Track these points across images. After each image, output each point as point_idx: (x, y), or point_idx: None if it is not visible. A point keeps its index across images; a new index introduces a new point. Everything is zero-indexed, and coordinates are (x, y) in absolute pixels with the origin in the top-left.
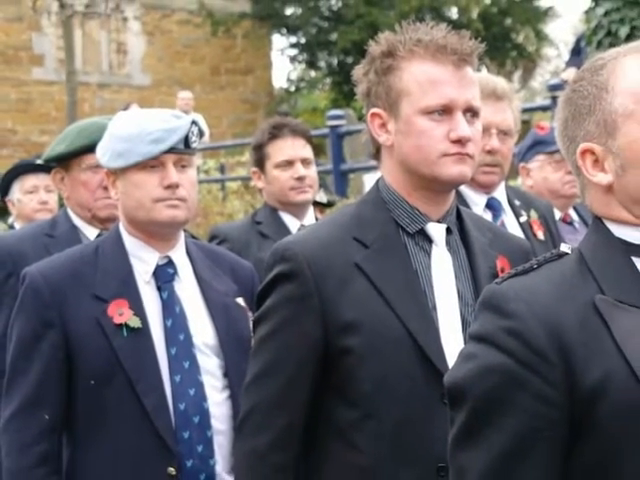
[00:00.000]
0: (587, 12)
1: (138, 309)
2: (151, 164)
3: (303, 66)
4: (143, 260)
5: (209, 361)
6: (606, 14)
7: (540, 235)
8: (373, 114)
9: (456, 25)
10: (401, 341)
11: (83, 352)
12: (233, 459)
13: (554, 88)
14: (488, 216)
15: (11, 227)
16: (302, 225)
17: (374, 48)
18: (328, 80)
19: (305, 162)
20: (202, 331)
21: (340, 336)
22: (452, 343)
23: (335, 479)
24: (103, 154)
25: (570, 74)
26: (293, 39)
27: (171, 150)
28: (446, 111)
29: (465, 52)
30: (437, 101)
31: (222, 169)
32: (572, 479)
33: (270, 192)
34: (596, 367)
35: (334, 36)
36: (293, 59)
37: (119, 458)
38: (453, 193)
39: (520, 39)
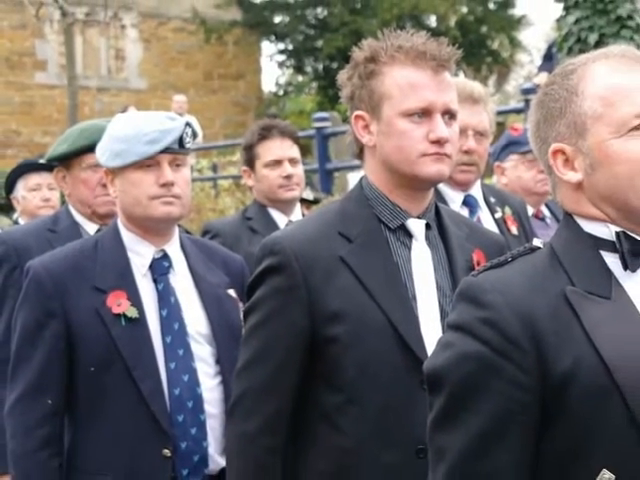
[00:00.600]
0: (558, 20)
1: (135, 300)
2: (147, 163)
3: (291, 71)
4: (140, 254)
5: (202, 349)
6: (576, 22)
7: (514, 230)
8: (357, 116)
9: (435, 32)
10: (383, 330)
11: (83, 340)
12: (225, 441)
13: (527, 92)
14: (465, 212)
15: (16, 223)
16: (290, 221)
17: (358, 54)
18: (314, 84)
19: (292, 161)
20: (195, 320)
21: (326, 325)
22: (431, 332)
23: (321, 460)
24: (102, 154)
25: (542, 79)
26: (281, 46)
27: (166, 150)
28: (425, 113)
29: (443, 58)
30: (417, 104)
31: (214, 168)
32: (544, 461)
33: (260, 190)
34: (567, 354)
35: (320, 43)
36: (281, 64)
37: (117, 440)
38: (432, 191)
39: (495, 46)
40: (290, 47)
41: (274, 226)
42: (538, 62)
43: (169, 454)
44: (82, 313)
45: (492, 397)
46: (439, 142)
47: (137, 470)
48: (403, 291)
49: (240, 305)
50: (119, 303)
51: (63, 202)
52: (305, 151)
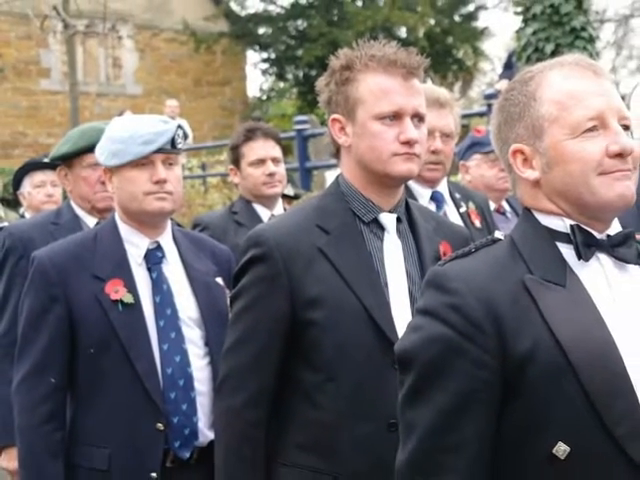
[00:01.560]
0: (518, 31)
1: (131, 287)
2: (142, 162)
3: (273, 78)
4: (135, 245)
5: (192, 332)
6: (534, 33)
7: (477, 224)
8: (333, 119)
9: (405, 43)
10: (357, 314)
11: (84, 324)
12: (213, 416)
13: (489, 97)
14: (432, 207)
15: (22, 216)
16: (272, 215)
17: (334, 62)
18: (295, 90)
19: (275, 160)
20: (186, 306)
21: (305, 310)
22: (401, 316)
23: (300, 433)
24: (101, 154)
25: (503, 85)
26: (265, 55)
27: (159, 150)
28: (396, 117)
29: (413, 66)
30: (388, 108)
31: (203, 167)
32: (505, 434)
33: (245, 186)
34: (526, 337)
35: (300, 52)
36: (264, 72)
37: (115, 415)
38: (402, 187)
39: (460, 55)
40: (273, 56)
41: (258, 220)
42: (499, 70)
43: (162, 428)
44: (83, 299)
45: (457, 376)
46: (409, 143)
47: (133, 442)
48: (376, 279)
49: (227, 292)
50: (116, 290)
51: (65, 198)
52: (286, 151)
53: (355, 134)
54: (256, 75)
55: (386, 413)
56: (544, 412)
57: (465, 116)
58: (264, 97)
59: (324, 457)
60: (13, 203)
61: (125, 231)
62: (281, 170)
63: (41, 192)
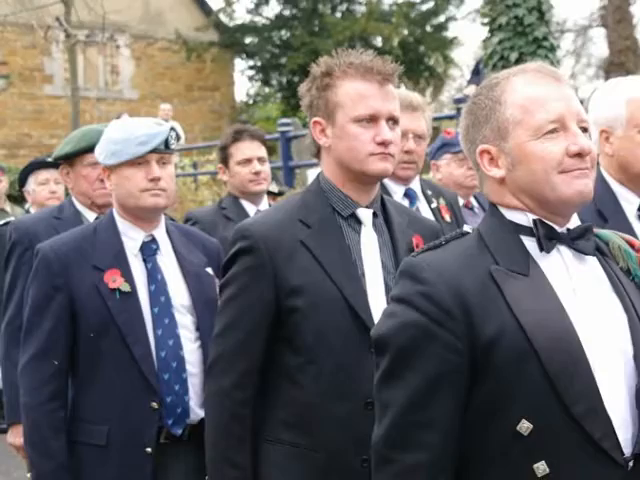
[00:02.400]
0: (484, 41)
1: (128, 277)
2: (138, 161)
3: (259, 84)
4: (132, 238)
5: (184, 318)
6: (500, 42)
7: (447, 218)
8: (315, 122)
9: (380, 51)
10: (336, 302)
11: (84, 311)
12: (203, 395)
13: (458, 101)
14: (406, 203)
15: (27, 211)
16: (258, 210)
17: (315, 69)
18: (279, 95)
19: (261, 160)
20: (179, 294)
21: (288, 298)
22: (377, 304)
23: (283, 411)
24: (100, 153)
25: (471, 90)
26: (251, 62)
27: (154, 150)
28: (372, 119)
29: (388, 73)
30: (365, 111)
31: (195, 166)
32: (473, 412)
33: (233, 184)
34: (492, 323)
35: (284, 60)
36: (251, 78)
37: (112, 395)
38: (378, 184)
39: (431, 62)
40: (258, 64)
41: (245, 215)
42: (467, 76)
43: (157, 406)
44: (83, 288)
45: (429, 359)
46: (384, 144)
47: (130, 420)
48: (353, 269)
49: (216, 281)
50: (114, 279)
51: (67, 194)
52: (271, 151)
53: (335, 135)
54: (243, 81)
55: (363, 393)
56: (509, 392)
57: (436, 119)
58: (250, 101)
59: (305, 433)
60: (19, 199)
61: (122, 225)
62: (266, 169)
63: (45, 189)
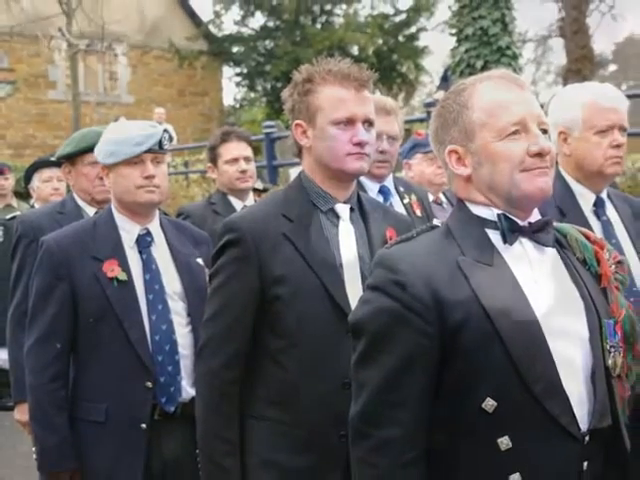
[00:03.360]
0: (452, 50)
1: (125, 267)
2: (134, 161)
3: (245, 89)
4: (128, 231)
5: (177, 305)
6: (466, 51)
7: (418, 213)
8: (296, 124)
9: (357, 59)
10: (316, 290)
11: (85, 298)
12: (194, 376)
13: (428, 105)
14: (380, 199)
15: (32, 207)
16: (245, 205)
17: (297, 76)
18: (263, 99)
19: (247, 159)
20: (172, 282)
21: (272, 287)
22: (354, 291)
23: (268, 390)
24: (99, 153)
25: (440, 95)
26: (238, 70)
27: (149, 150)
28: (350, 122)
29: (364, 79)
30: (343, 115)
31: (186, 164)
32: (442, 391)
33: (221, 181)
34: (459, 309)
35: (268, 67)
36: (238, 84)
37: (110, 376)
38: (355, 182)
39: (404, 70)
40: (245, 71)
41: (232, 209)
42: (437, 82)
43: (151, 386)
44: (84, 277)
45: (401, 342)
46: (360, 144)
47: (126, 398)
48: (332, 260)
49: (206, 271)
50: (112, 269)
51: (69, 191)
52: (256, 151)
53: (315, 137)
54: (230, 87)
55: (341, 374)
56: (475, 373)
57: (408, 121)
58: (237, 105)
59: (287, 411)
60: (25, 195)
61: (120, 219)
62: (252, 167)
63: (48, 186)
